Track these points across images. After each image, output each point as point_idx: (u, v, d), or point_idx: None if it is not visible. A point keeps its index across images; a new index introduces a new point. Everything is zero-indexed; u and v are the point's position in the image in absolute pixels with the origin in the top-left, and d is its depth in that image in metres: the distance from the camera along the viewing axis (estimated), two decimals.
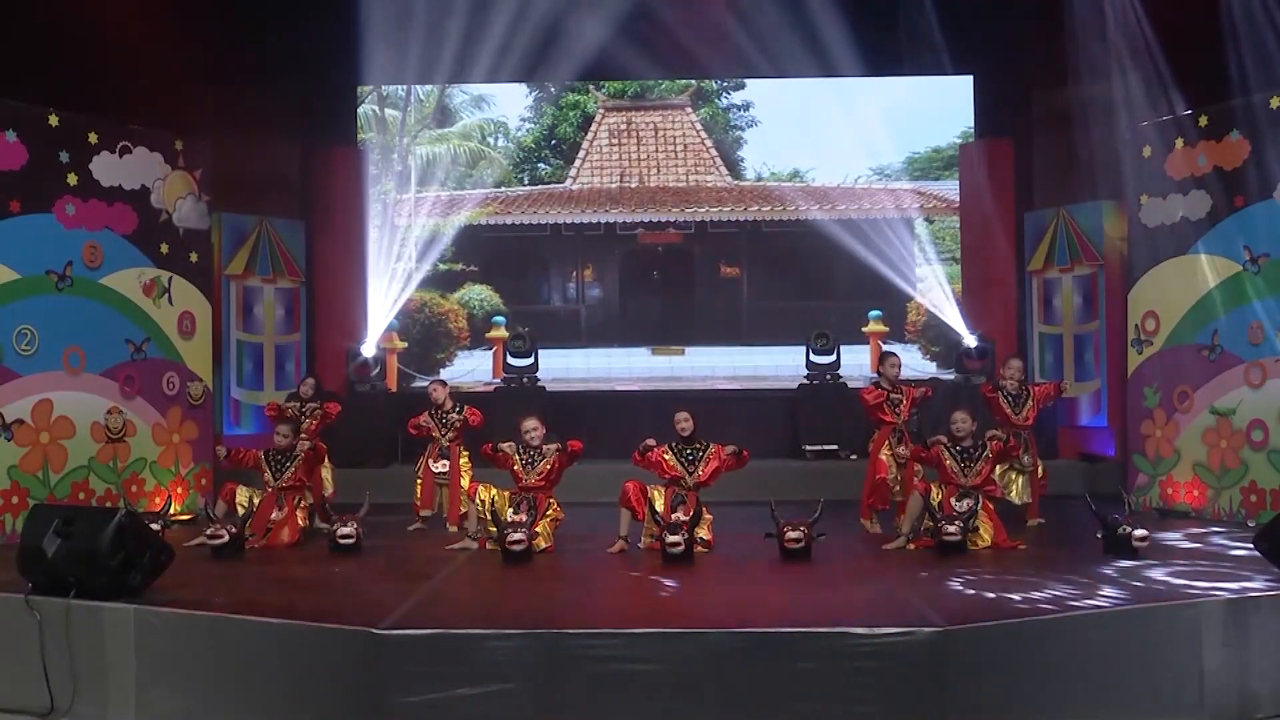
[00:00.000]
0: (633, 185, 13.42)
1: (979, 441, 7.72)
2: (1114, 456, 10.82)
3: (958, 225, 12.81)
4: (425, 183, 13.20)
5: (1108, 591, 5.89)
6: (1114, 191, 10.65)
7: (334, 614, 5.54)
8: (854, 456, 10.83)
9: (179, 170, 9.51)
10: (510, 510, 7.46)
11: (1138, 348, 9.58)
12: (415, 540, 8.33)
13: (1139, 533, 6.96)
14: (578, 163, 13.48)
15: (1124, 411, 10.10)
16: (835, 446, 11.23)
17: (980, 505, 7.51)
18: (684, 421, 7.68)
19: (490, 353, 12.96)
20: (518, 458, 7.64)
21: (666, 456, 7.65)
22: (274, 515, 8.01)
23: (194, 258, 9.61)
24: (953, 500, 7.50)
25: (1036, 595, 5.89)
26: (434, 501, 8.84)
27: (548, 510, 7.62)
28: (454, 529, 8.47)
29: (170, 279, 9.38)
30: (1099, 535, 7.23)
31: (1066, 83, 11.53)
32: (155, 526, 7.02)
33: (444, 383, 9.27)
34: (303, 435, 8.61)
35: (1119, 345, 10.24)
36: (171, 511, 8.37)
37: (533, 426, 7.69)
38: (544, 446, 7.69)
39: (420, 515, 8.85)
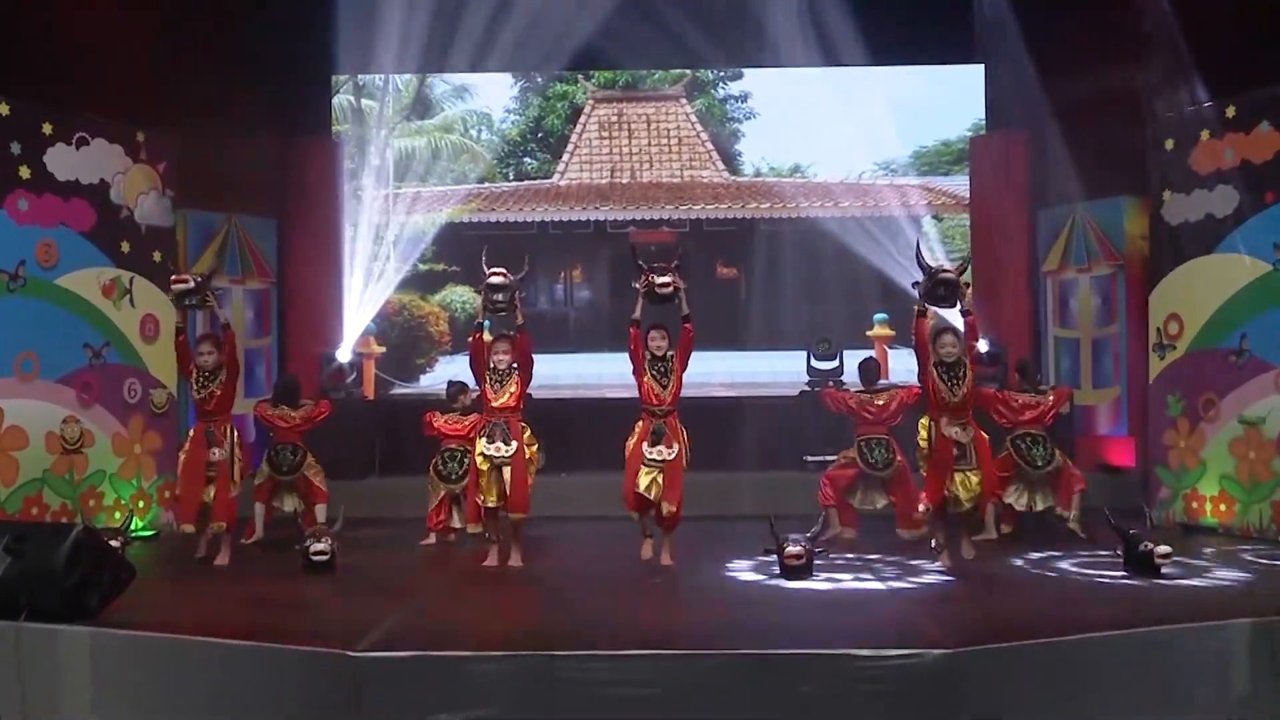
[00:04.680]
0: (624, 181, 13.42)
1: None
2: (1134, 468, 10.81)
3: (968, 223, 12.80)
4: (404, 178, 13.19)
5: (1128, 612, 5.88)
6: (1135, 187, 10.66)
7: (307, 636, 5.52)
8: None
9: (141, 164, 9.48)
10: (484, 440, 7.59)
11: (1160, 353, 9.58)
12: (391, 556, 8.26)
13: (1162, 549, 6.97)
14: (566, 157, 13.47)
15: (1145, 420, 10.10)
16: (838, 457, 11.19)
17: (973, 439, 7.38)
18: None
19: None
20: (488, 375, 7.72)
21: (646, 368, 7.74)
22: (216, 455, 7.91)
23: (157, 257, 9.56)
24: (944, 428, 7.33)
25: (1052, 615, 5.89)
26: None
27: (524, 435, 7.68)
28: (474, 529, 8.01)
29: (131, 279, 9.35)
30: (1118, 552, 7.24)
31: (1084, 72, 11.54)
32: (115, 543, 6.96)
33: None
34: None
35: (1140, 350, 10.24)
36: (133, 527, 8.32)
37: (503, 349, 7.77)
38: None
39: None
